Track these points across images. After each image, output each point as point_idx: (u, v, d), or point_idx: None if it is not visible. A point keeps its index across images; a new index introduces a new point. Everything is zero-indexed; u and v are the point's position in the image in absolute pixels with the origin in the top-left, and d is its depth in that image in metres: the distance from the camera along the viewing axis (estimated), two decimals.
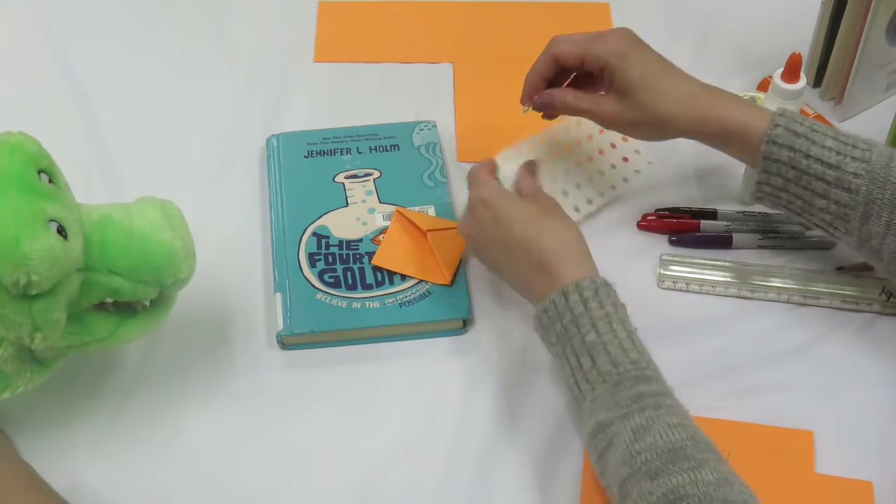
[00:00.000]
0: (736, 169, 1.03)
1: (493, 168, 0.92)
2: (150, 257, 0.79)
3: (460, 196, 1.02)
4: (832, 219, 0.85)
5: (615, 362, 0.77)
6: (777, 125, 0.84)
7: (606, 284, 0.81)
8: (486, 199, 0.87)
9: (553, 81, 0.94)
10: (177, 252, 0.79)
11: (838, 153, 0.83)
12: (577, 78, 0.95)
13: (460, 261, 0.95)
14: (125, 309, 0.82)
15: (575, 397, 0.80)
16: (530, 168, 0.93)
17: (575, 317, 0.79)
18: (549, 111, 0.94)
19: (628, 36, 0.90)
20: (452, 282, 0.94)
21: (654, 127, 0.90)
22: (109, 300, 0.80)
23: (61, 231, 0.74)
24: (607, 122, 0.92)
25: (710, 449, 0.72)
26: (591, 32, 0.91)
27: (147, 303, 0.82)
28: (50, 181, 0.76)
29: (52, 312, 0.75)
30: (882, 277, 0.92)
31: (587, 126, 1.02)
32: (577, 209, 1.00)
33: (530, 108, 0.95)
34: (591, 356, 0.78)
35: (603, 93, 0.92)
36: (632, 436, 0.73)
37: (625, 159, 1.04)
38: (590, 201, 1.01)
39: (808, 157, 0.83)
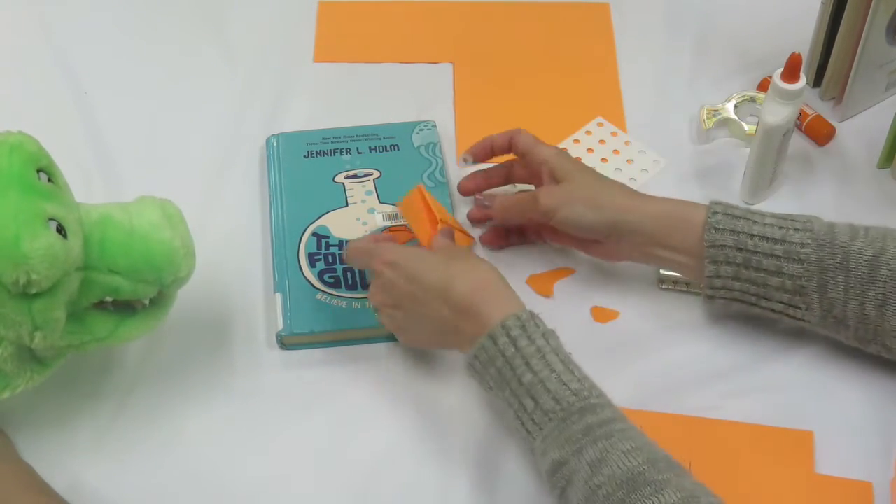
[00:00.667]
0: (736, 169, 1.03)
1: (377, 237, 0.92)
2: (150, 256, 0.79)
3: (460, 196, 1.02)
4: (790, 297, 0.84)
5: (557, 398, 0.76)
6: (715, 212, 0.84)
7: (532, 316, 0.80)
8: (392, 260, 0.85)
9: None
10: (177, 251, 0.79)
11: (780, 227, 0.83)
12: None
13: None
14: (125, 308, 0.82)
15: (524, 438, 0.78)
16: (446, 234, 0.92)
17: (507, 359, 0.78)
18: (489, 209, 0.97)
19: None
20: None
21: (589, 204, 0.88)
22: (109, 299, 0.80)
23: (61, 230, 0.74)
24: (541, 203, 0.90)
25: (669, 467, 0.72)
26: None
27: (146, 302, 0.82)
28: (49, 180, 0.76)
29: (52, 311, 0.75)
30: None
31: (586, 142, 1.05)
32: None
33: (468, 163, 0.99)
34: (531, 396, 0.77)
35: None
36: (589, 470, 0.72)
37: (629, 161, 1.05)
38: None
39: (752, 236, 0.83)
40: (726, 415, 0.87)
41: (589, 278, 0.97)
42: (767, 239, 0.83)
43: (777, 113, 0.95)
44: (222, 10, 1.20)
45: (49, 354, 0.82)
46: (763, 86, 1.10)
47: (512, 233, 0.98)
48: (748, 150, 1.01)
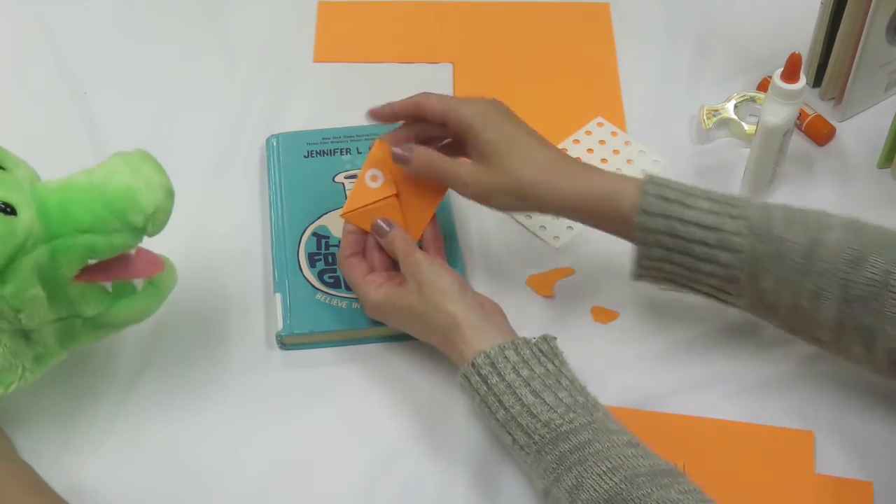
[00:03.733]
0: (736, 169, 1.03)
1: (353, 265, 0.90)
2: (108, 201, 0.76)
3: (460, 196, 1.02)
4: (721, 283, 0.81)
5: (529, 432, 0.76)
6: (647, 193, 0.81)
7: (501, 349, 0.79)
8: (374, 305, 0.88)
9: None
10: (137, 189, 0.77)
11: (715, 213, 0.80)
12: (444, 148, 0.90)
13: (426, 226, 0.92)
14: (124, 287, 0.81)
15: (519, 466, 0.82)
16: (388, 226, 0.89)
17: (482, 397, 0.79)
18: (407, 165, 0.88)
19: (495, 102, 0.88)
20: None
21: (513, 195, 0.84)
22: (92, 261, 0.78)
23: (6, 209, 0.73)
24: (465, 187, 0.86)
25: (649, 480, 0.71)
26: (462, 97, 0.90)
27: (139, 285, 0.82)
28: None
29: (26, 291, 0.74)
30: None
31: (586, 143, 1.05)
32: None
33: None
34: (508, 432, 0.78)
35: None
36: (569, 497, 0.73)
37: (629, 161, 1.05)
38: None
39: (684, 222, 0.80)
40: (726, 415, 0.87)
41: (589, 278, 0.97)
42: (700, 226, 0.80)
43: (777, 113, 0.95)
44: (222, 10, 1.20)
45: (49, 342, 0.80)
46: (763, 86, 1.10)
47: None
48: (748, 150, 1.01)
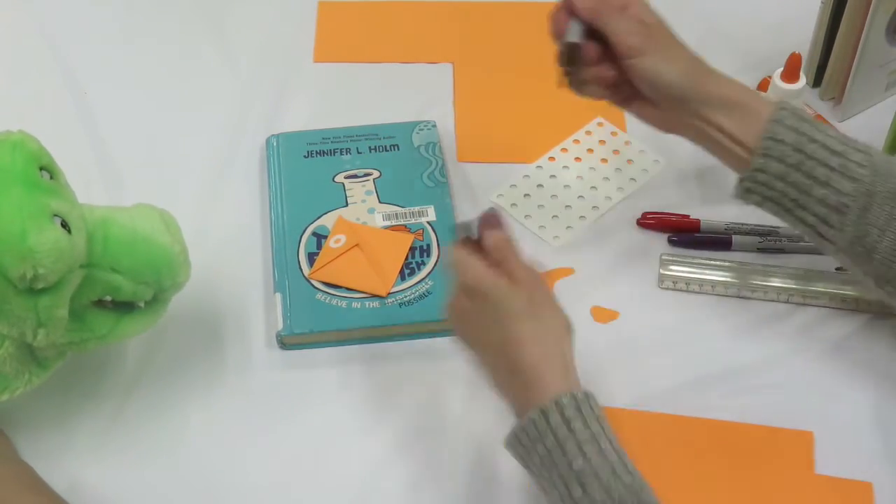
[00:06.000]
0: None
1: (475, 248, 0.80)
2: (152, 258, 0.79)
3: (460, 196, 1.02)
4: (828, 212, 0.80)
5: (608, 489, 0.69)
6: (783, 108, 0.81)
7: (587, 397, 0.73)
8: (470, 287, 0.78)
9: None
10: (177, 256, 0.80)
11: (842, 143, 0.80)
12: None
13: (396, 275, 0.94)
14: (123, 306, 0.82)
15: None
16: (493, 221, 0.81)
17: (559, 440, 0.71)
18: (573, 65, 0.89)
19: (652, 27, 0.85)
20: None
21: (652, 94, 0.85)
22: (108, 298, 0.80)
23: (65, 226, 0.74)
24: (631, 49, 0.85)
25: None
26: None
27: (142, 304, 0.83)
28: (51, 178, 0.77)
29: (57, 308, 0.75)
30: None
31: (586, 143, 1.05)
32: (582, 217, 1.01)
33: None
34: (580, 484, 0.70)
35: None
36: None
37: (629, 161, 1.05)
38: (595, 207, 1.01)
39: (813, 140, 0.80)
40: (726, 415, 0.87)
41: (589, 278, 0.97)
42: (827, 149, 0.80)
43: None
44: (222, 10, 1.20)
45: (49, 354, 0.82)
46: (763, 86, 1.10)
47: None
48: None
